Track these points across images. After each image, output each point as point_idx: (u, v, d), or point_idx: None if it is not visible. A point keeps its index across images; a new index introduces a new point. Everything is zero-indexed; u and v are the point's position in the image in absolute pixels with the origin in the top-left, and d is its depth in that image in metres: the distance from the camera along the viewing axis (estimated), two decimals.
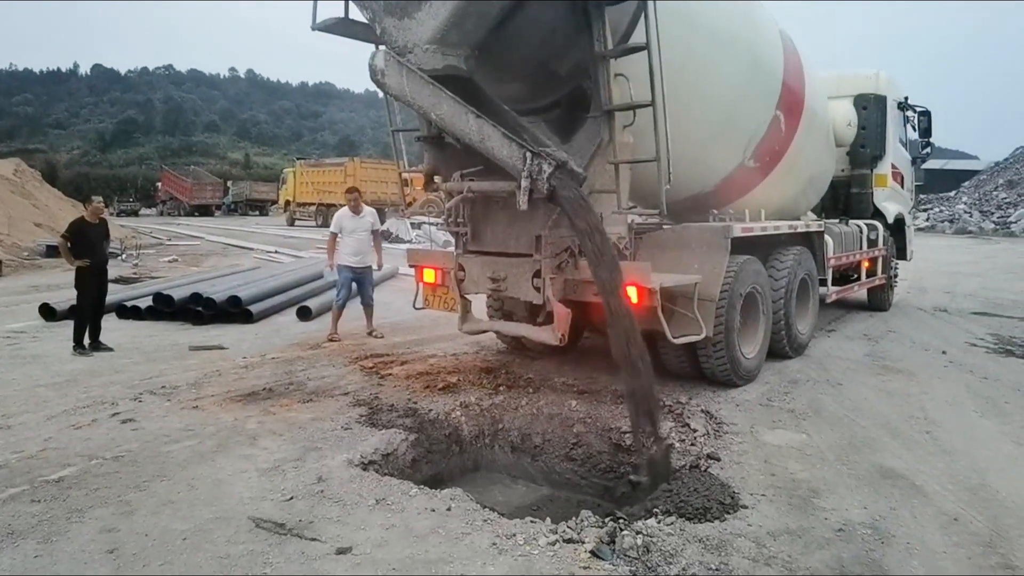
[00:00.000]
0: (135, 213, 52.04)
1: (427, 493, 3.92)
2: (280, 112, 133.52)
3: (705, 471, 4.25)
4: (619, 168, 4.97)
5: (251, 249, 22.14)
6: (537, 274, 5.30)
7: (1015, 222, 33.83)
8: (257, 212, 54.18)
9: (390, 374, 6.45)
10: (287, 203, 40.80)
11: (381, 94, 5.16)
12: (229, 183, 57.93)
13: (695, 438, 4.82)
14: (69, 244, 7.39)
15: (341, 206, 8.91)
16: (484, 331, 6.57)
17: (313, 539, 3.37)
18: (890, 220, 10.51)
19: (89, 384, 6.16)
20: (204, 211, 52.35)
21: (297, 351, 7.57)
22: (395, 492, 3.91)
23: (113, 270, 9.16)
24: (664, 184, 4.85)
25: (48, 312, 9.31)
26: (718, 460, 4.41)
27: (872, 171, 10.24)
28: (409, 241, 23.10)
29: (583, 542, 3.34)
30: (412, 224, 25.24)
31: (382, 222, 26.58)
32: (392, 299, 10.60)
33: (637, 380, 4.25)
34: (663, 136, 4.69)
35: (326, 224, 34.18)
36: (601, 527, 3.52)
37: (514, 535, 3.41)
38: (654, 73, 4.54)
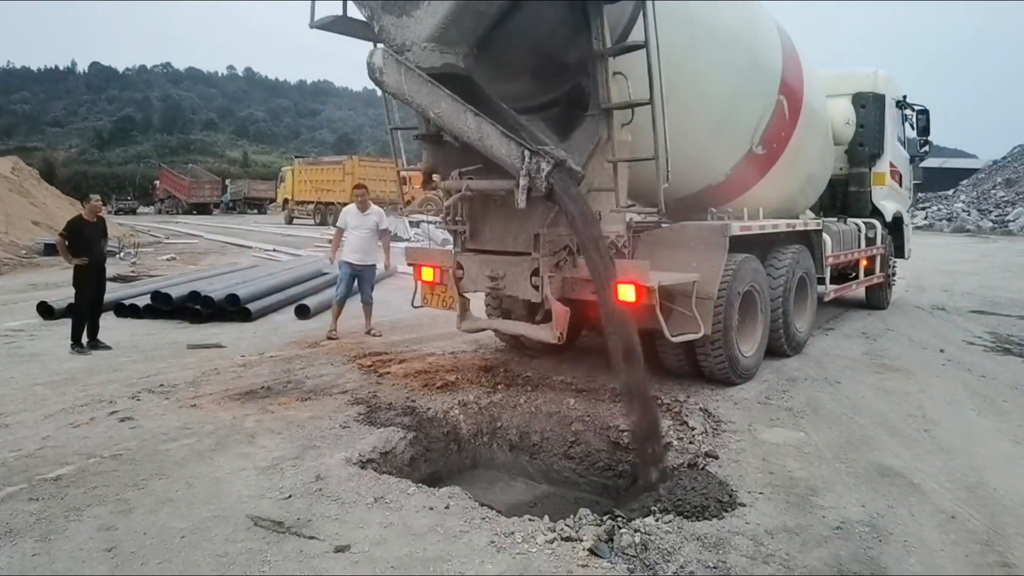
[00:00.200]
0: (133, 211, 52.01)
1: (425, 491, 3.92)
2: (278, 110, 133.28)
3: (703, 469, 4.26)
4: (617, 166, 4.96)
5: (249, 247, 22.11)
6: (535, 272, 5.30)
7: (1013, 220, 33.87)
8: (255, 210, 54.12)
9: (388, 372, 6.45)
10: (285, 201, 40.76)
11: (379, 92, 5.15)
12: (227, 181, 57.89)
13: (693, 436, 4.82)
14: (67, 242, 7.39)
15: (341, 204, 8.89)
16: (482, 329, 6.57)
17: (311, 537, 3.37)
18: (888, 219, 10.52)
19: (87, 382, 6.15)
20: (202, 209, 52.31)
21: (295, 349, 7.57)
22: (393, 490, 3.91)
23: (111, 268, 9.15)
24: (662, 182, 4.85)
25: (46, 310, 9.29)
26: (716, 458, 4.42)
27: (870, 169, 10.24)
28: (407, 239, 23.06)
29: (581, 540, 3.35)
30: (411, 222, 25.21)
31: None
32: (390, 297, 10.60)
33: (633, 378, 4.29)
34: (661, 134, 4.69)
35: (324, 222, 34.35)
36: (599, 525, 3.52)
37: (512, 533, 3.41)
38: (652, 71, 4.54)
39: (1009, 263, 19.04)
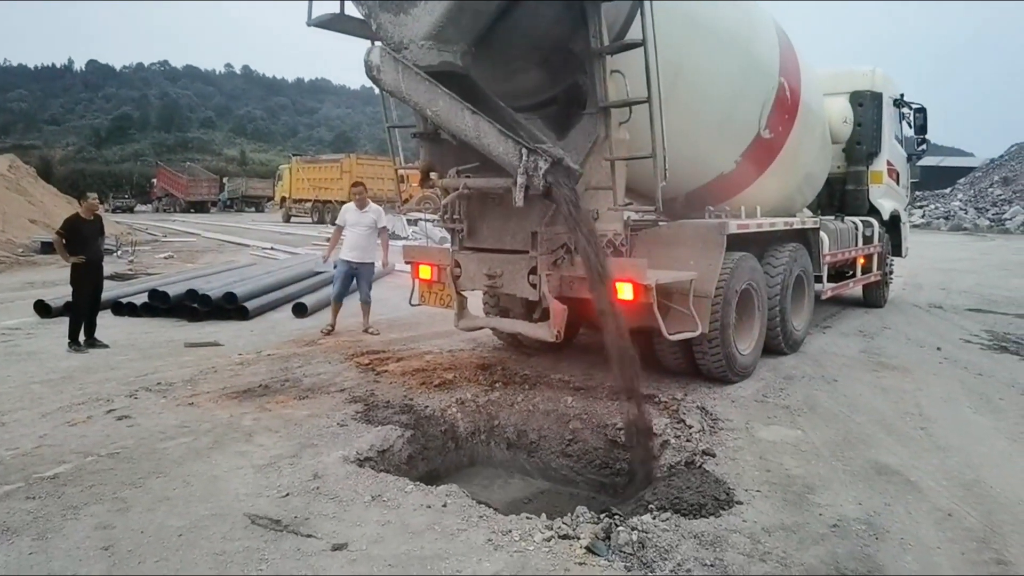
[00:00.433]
0: (130, 209, 51.93)
1: (423, 489, 3.92)
2: (276, 108, 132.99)
3: (700, 467, 4.26)
4: (615, 165, 4.97)
5: (247, 246, 22.08)
6: (533, 271, 5.31)
7: (1010, 219, 33.93)
8: (253, 208, 54.07)
9: (386, 371, 6.45)
10: (283, 199, 40.67)
11: (377, 90, 5.15)
12: (225, 179, 57.82)
13: (690, 434, 4.83)
14: (64, 241, 7.38)
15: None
16: (480, 327, 6.57)
17: (309, 535, 3.37)
18: (885, 217, 10.53)
19: (84, 381, 6.14)
20: (200, 208, 52.22)
21: (293, 348, 7.57)
22: (391, 488, 3.91)
23: (109, 267, 9.15)
24: (660, 181, 4.85)
25: (43, 309, 9.28)
26: (713, 456, 4.42)
27: (868, 168, 10.26)
28: (405, 238, 23.06)
29: (579, 538, 3.35)
30: (408, 221, 25.20)
31: None
32: (388, 296, 10.59)
33: (626, 375, 4.33)
34: (659, 133, 4.69)
35: (322, 221, 34.32)
36: (597, 523, 3.53)
37: (510, 531, 3.41)
38: (650, 70, 4.54)
39: (1006, 261, 19.07)
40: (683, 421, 5.06)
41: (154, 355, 7.16)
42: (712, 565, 3.14)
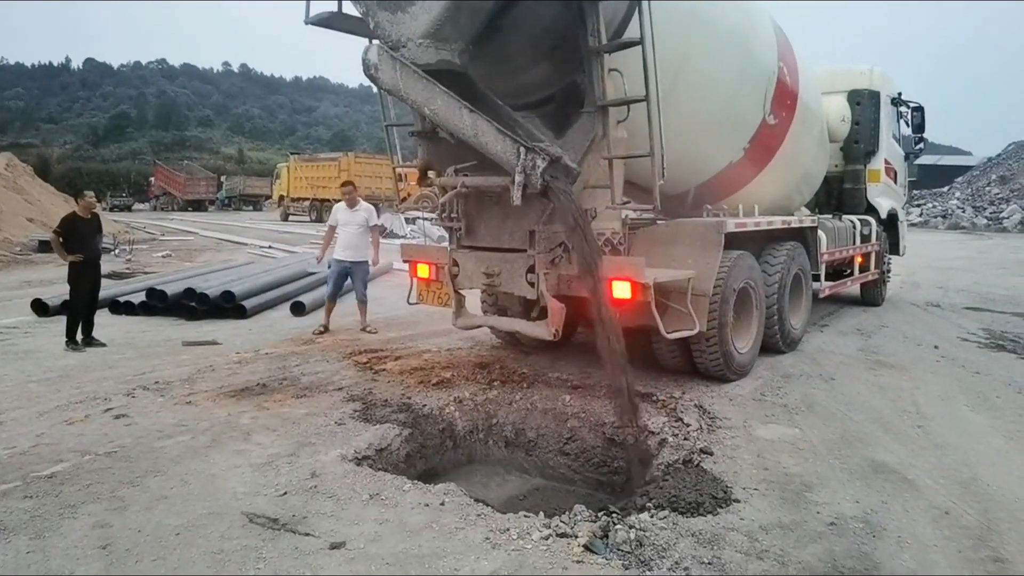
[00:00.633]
0: (128, 208, 51.84)
1: (421, 488, 3.92)
2: (274, 107, 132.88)
3: (698, 465, 4.27)
4: (613, 163, 4.97)
5: (245, 244, 22.06)
6: (531, 269, 5.31)
7: (1007, 217, 33.97)
8: (251, 207, 54.00)
9: (384, 369, 6.45)
10: (281, 198, 40.64)
11: (375, 89, 5.14)
12: (223, 178, 57.71)
13: (688, 433, 4.83)
14: (61, 239, 7.37)
15: (337, 202, 8.87)
16: (478, 326, 6.57)
17: (307, 534, 3.37)
18: (883, 215, 10.55)
19: (82, 380, 6.13)
20: (197, 206, 52.14)
21: (291, 346, 7.56)
22: (389, 487, 3.91)
23: (106, 265, 9.13)
24: (658, 179, 4.85)
25: (40, 308, 9.26)
26: (711, 454, 4.43)
27: (865, 167, 10.27)
28: (403, 236, 23.06)
29: (576, 536, 3.35)
30: (406, 219, 25.20)
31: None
32: (386, 294, 10.59)
33: (616, 373, 4.37)
34: (657, 131, 4.69)
35: (320, 219, 34.24)
36: (594, 521, 3.54)
37: (508, 529, 3.42)
38: (648, 68, 4.54)
39: (1003, 260, 19.10)
40: (681, 419, 5.07)
41: (152, 354, 7.15)
42: (710, 563, 3.15)
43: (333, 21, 5.36)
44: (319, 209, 35.90)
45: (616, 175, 5.00)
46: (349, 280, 8.52)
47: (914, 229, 25.17)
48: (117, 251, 18.07)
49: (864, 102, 10.03)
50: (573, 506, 3.76)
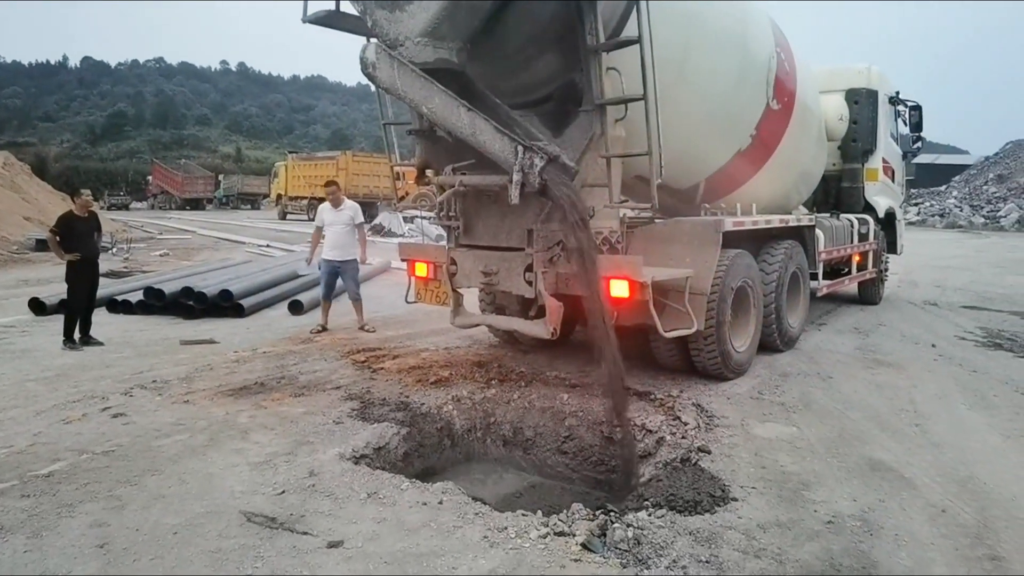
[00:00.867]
0: (126, 207, 51.73)
1: (419, 487, 3.92)
2: (271, 105, 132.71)
3: (696, 464, 4.27)
4: (611, 162, 4.97)
5: (243, 243, 22.03)
6: (529, 268, 5.31)
7: (1005, 216, 34.03)
8: (248, 206, 53.94)
9: (382, 368, 6.45)
10: (279, 197, 40.56)
11: (373, 87, 5.14)
12: (220, 177, 57.59)
13: (686, 431, 4.83)
14: (58, 238, 7.36)
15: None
16: (476, 325, 6.57)
17: (304, 533, 3.37)
18: (881, 214, 10.56)
19: (79, 378, 6.13)
20: (195, 205, 52.06)
21: (289, 345, 7.56)
22: (387, 486, 3.91)
23: (104, 264, 9.10)
24: (656, 178, 4.85)
25: (38, 306, 9.24)
26: (709, 453, 4.43)
27: (863, 165, 10.28)
28: (401, 235, 23.05)
29: (574, 535, 3.36)
30: (404, 218, 25.20)
31: (375, 216, 26.69)
32: (384, 293, 10.59)
33: (611, 370, 4.37)
34: (655, 130, 4.69)
35: None
36: (592, 520, 3.54)
37: (505, 528, 3.42)
38: (646, 67, 4.54)
39: (1001, 259, 19.13)
40: (679, 418, 5.07)
41: (149, 353, 7.15)
42: (707, 562, 3.15)
43: (331, 19, 5.35)
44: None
45: (614, 174, 5.01)
46: (341, 280, 8.51)
47: (912, 228, 25.22)
48: (115, 250, 18.04)
49: (862, 101, 10.04)
50: (571, 505, 3.77)
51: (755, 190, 7.30)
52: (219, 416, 5.06)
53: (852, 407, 5.46)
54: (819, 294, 8.62)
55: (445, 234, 6.18)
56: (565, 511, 3.67)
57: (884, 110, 10.45)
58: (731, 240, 6.07)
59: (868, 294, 10.73)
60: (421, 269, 6.37)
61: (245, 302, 9.50)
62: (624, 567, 3.11)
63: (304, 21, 5.33)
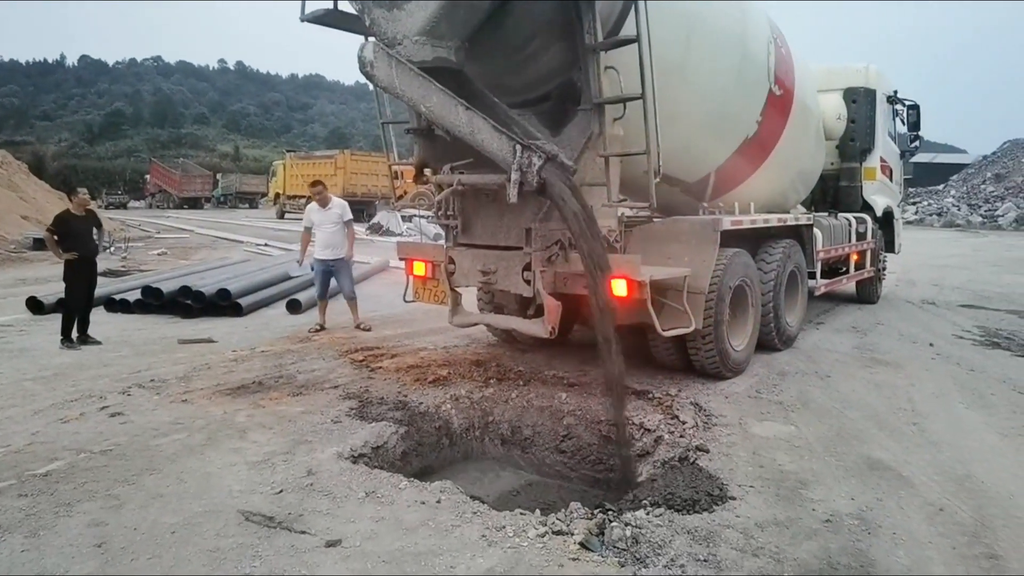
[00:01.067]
0: (124, 206, 51.74)
1: (417, 486, 3.92)
2: (270, 104, 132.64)
3: (694, 463, 4.27)
4: (609, 161, 4.96)
5: (241, 242, 22.01)
6: (527, 267, 5.30)
7: (1002, 215, 34.10)
8: (247, 205, 53.94)
9: (380, 367, 6.45)
10: (277, 196, 40.53)
11: (371, 86, 5.13)
12: (218, 175, 57.63)
13: (684, 430, 4.84)
14: (56, 237, 7.35)
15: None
16: (474, 324, 6.57)
17: (303, 532, 3.37)
18: (879, 213, 10.57)
19: (77, 378, 6.12)
20: (193, 204, 52.07)
21: (287, 344, 7.55)
22: (385, 485, 3.91)
23: (102, 263, 9.10)
24: (654, 177, 4.85)
25: (35, 306, 9.23)
26: (707, 452, 4.43)
27: (861, 164, 10.28)
28: (400, 234, 23.05)
29: (572, 534, 3.36)
30: (403, 217, 25.19)
31: (373, 215, 26.65)
32: (382, 292, 10.58)
33: (612, 367, 4.39)
34: (653, 129, 4.69)
35: None
36: (590, 519, 3.54)
37: (504, 527, 3.42)
38: (644, 66, 4.54)
39: (998, 258, 19.16)
40: (677, 417, 5.07)
41: (147, 352, 7.14)
42: (705, 560, 3.16)
43: (329, 18, 5.34)
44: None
45: (612, 172, 5.00)
46: (335, 279, 8.50)
47: (909, 227, 25.24)
48: (112, 249, 18.02)
49: (860, 100, 10.05)
50: (569, 503, 3.77)
51: (753, 189, 7.30)
52: (217, 415, 5.05)
53: (850, 406, 5.46)
54: (817, 293, 8.63)
55: (443, 233, 6.17)
56: (563, 510, 3.67)
57: (882, 109, 10.45)
58: (729, 239, 6.07)
59: (866, 293, 10.74)
60: (419, 268, 6.37)
61: (243, 301, 9.49)
62: (622, 566, 3.12)
63: (302, 20, 5.32)
